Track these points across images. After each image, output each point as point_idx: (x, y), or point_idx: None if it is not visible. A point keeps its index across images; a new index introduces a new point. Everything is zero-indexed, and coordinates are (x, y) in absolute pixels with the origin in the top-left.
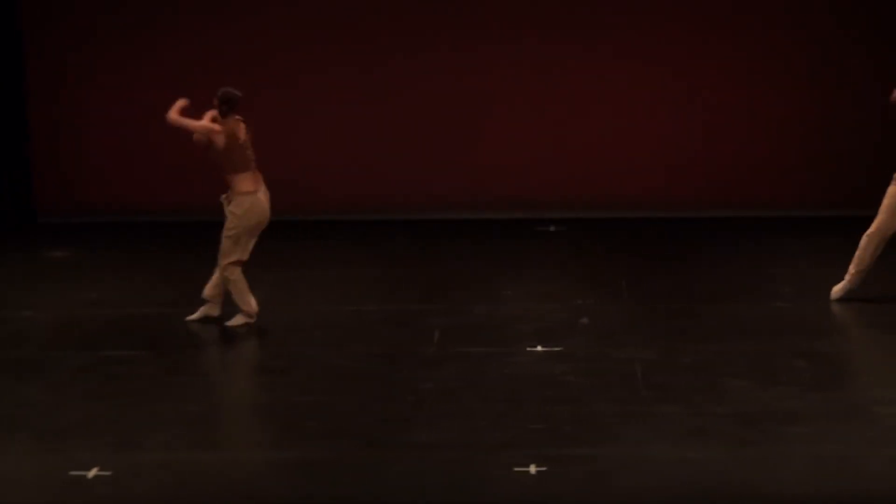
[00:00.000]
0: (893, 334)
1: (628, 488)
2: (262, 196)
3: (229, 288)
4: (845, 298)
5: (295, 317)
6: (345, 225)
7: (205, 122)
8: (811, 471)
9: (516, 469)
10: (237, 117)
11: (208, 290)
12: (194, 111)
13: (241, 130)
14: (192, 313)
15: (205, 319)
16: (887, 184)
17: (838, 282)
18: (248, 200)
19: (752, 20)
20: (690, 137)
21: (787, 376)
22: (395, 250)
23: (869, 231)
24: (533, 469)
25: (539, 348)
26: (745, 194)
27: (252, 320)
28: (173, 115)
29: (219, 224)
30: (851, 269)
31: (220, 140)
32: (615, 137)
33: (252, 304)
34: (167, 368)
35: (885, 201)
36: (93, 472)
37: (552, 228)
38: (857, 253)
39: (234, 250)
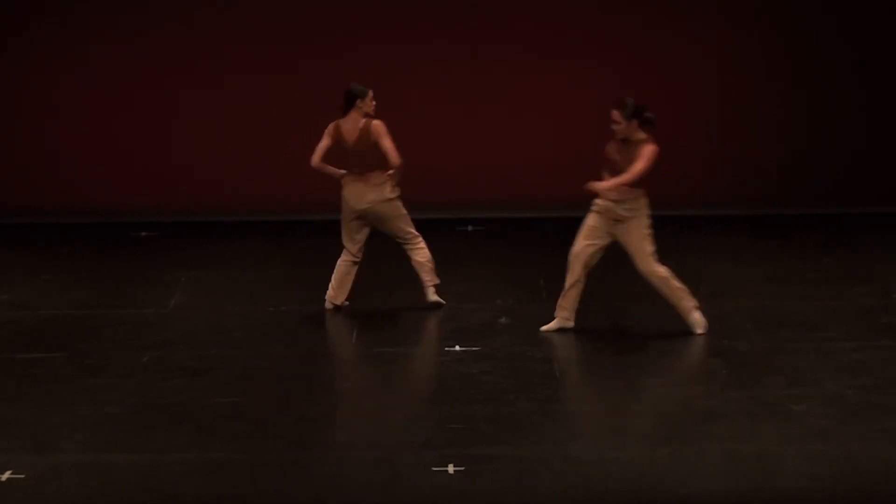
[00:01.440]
0: (809, 332)
1: (546, 488)
2: (346, 191)
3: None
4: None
5: (214, 317)
6: (262, 225)
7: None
8: (728, 468)
9: (434, 469)
10: (357, 116)
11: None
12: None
13: (346, 132)
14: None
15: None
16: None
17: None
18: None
19: (670, 16)
20: (609, 137)
21: (703, 375)
22: (313, 250)
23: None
24: (451, 469)
25: (457, 348)
26: (664, 193)
27: (329, 306)
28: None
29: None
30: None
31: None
32: (533, 137)
33: (331, 291)
34: (83, 370)
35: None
36: (6, 476)
37: (470, 228)
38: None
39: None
